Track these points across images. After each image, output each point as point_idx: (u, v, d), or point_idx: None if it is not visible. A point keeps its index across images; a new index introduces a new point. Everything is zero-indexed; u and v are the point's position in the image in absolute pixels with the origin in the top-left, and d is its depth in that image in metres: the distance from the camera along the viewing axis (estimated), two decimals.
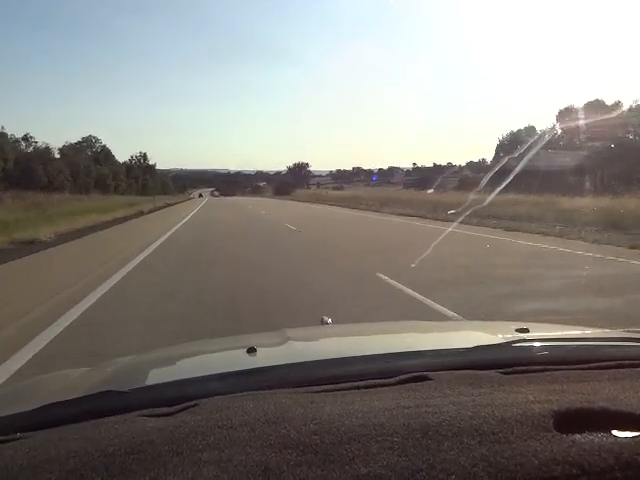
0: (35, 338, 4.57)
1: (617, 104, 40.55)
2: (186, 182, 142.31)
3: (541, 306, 5.35)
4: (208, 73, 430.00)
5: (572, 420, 0.62)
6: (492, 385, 0.76)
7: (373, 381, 0.82)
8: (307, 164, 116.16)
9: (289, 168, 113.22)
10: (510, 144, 43.30)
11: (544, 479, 0.53)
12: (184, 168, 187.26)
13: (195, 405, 0.73)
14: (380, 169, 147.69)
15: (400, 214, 24.42)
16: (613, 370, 0.84)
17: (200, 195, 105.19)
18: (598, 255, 9.59)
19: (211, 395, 0.77)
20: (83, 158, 56.80)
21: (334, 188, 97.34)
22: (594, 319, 4.51)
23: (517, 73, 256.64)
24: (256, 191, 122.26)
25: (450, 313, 5.24)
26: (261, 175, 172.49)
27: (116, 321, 5.25)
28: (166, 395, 0.83)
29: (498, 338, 1.22)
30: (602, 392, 0.71)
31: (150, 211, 33.49)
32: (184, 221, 22.82)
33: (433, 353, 1.02)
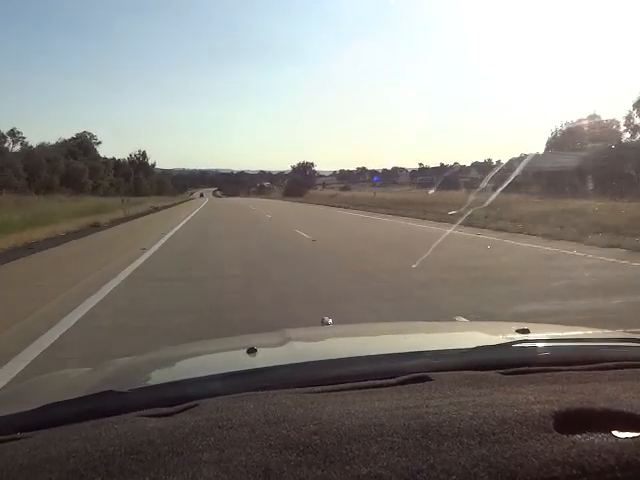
0: None
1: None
2: (188, 182, 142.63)
3: None
4: (209, 73, 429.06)
5: (572, 421, 0.62)
6: (492, 386, 0.76)
7: (373, 381, 0.82)
8: (312, 164, 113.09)
9: (293, 168, 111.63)
10: (562, 139, 37.56)
11: (544, 479, 0.53)
12: (186, 168, 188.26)
13: (195, 405, 0.73)
14: (384, 169, 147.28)
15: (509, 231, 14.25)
16: (613, 371, 0.84)
17: (201, 195, 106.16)
18: None
19: (211, 395, 0.77)
20: (49, 150, 45.14)
21: (341, 189, 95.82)
22: None
23: (525, 72, 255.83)
24: (261, 191, 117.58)
25: None
26: (264, 175, 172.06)
27: None
28: (166, 395, 0.83)
29: (499, 339, 1.22)
30: (602, 393, 0.71)
31: (95, 226, 19.07)
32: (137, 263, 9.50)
33: (433, 354, 1.02)
